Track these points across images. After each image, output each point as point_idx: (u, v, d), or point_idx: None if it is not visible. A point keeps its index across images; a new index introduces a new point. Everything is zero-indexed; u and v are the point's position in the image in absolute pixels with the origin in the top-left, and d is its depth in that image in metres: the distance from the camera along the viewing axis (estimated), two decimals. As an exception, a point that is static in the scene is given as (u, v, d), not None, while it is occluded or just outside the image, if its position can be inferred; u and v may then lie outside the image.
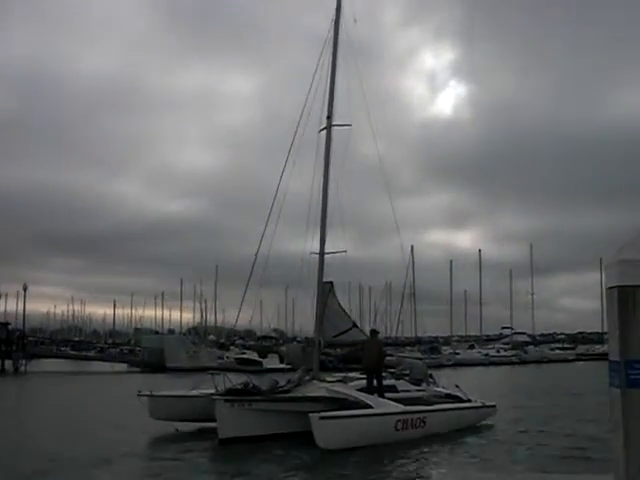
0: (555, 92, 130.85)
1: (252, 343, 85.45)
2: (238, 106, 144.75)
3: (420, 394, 19.74)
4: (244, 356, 61.67)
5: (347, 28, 22.29)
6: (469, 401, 20.34)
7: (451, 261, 79.69)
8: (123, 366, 60.69)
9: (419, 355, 45.57)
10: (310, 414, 15.98)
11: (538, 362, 70.08)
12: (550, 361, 72.17)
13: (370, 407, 17.51)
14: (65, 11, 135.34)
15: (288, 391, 18.49)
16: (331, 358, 51.98)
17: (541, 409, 24.98)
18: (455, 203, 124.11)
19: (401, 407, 17.90)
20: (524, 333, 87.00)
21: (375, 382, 18.79)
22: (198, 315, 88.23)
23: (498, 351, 76.57)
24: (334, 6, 22.18)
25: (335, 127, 21.57)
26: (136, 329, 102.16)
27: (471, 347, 79.04)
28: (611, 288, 4.93)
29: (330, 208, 21.35)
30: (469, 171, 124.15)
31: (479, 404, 20.47)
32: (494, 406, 20.92)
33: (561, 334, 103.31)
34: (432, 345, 49.37)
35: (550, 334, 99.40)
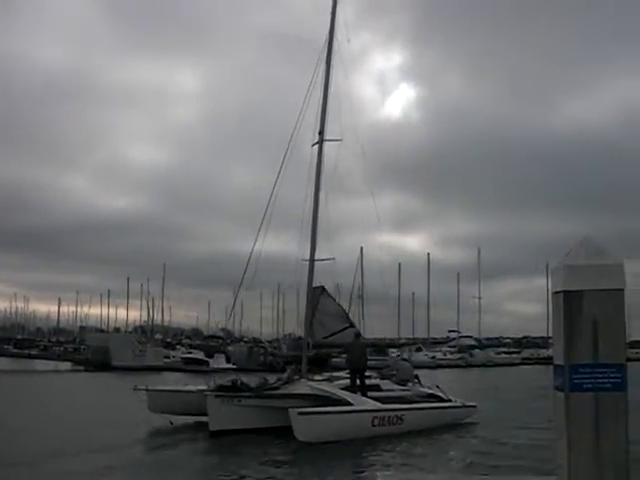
0: (504, 96, 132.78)
1: (199, 343, 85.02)
2: (187, 103, 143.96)
3: (403, 393, 20.98)
4: (190, 355, 61.35)
5: (339, 46, 23.17)
6: (449, 401, 21.32)
7: (399, 264, 79.80)
8: (67, 365, 59.77)
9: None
10: (290, 409, 17.30)
11: (484, 366, 70.82)
12: (496, 365, 73.00)
13: (350, 404, 18.71)
14: (13, 3, 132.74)
15: (276, 388, 19.64)
16: (278, 359, 52.22)
17: (498, 411, 24.99)
18: (404, 206, 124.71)
19: (378, 405, 19.09)
20: (470, 337, 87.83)
21: (358, 381, 20.06)
22: (145, 313, 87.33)
23: (445, 354, 77.26)
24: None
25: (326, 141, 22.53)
26: (81, 327, 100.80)
27: (418, 350, 79.52)
28: (557, 293, 4.96)
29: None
30: (418, 174, 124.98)
31: (459, 404, 21.39)
32: (474, 406, 21.74)
33: (507, 338, 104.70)
34: (378, 347, 49.47)
35: (496, 338, 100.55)
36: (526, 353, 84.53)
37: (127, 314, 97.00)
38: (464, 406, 21.48)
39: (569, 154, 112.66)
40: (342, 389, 19.63)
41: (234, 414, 18.15)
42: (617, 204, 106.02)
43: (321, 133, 22.60)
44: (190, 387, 21.52)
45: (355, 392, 19.59)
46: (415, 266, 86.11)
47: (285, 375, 21.01)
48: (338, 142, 22.75)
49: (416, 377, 22.70)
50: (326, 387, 19.85)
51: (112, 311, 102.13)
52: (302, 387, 19.70)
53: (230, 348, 65.86)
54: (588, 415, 4.71)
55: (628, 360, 4.98)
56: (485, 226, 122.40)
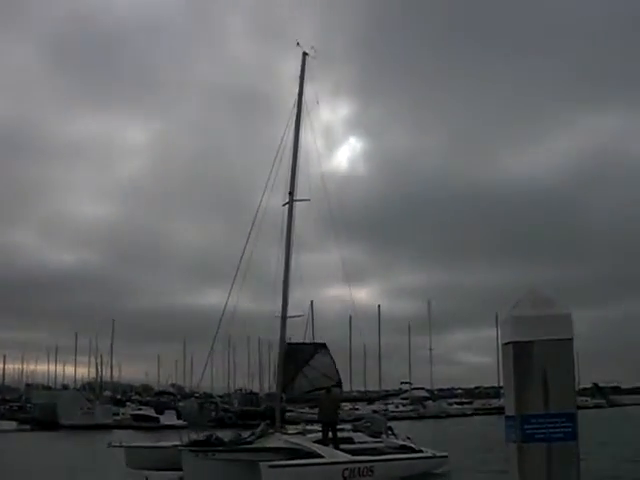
0: (450, 148, 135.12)
1: (149, 399, 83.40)
2: (133, 156, 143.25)
3: (375, 445, 21.37)
4: (140, 412, 60.10)
5: (308, 108, 24.80)
6: (420, 451, 21.62)
7: (350, 316, 79.85)
8: (12, 424, 58.00)
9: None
10: (260, 463, 17.37)
11: (437, 417, 70.72)
12: (448, 416, 72.99)
13: (321, 457, 18.96)
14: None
15: (250, 442, 19.93)
16: (230, 414, 51.63)
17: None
18: (353, 258, 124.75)
19: (349, 457, 19.38)
20: (423, 388, 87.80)
21: (330, 434, 20.39)
22: (93, 370, 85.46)
23: (397, 406, 76.84)
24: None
25: (296, 202, 23.33)
26: (27, 385, 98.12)
27: (370, 403, 79.09)
28: (506, 344, 5.00)
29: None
30: (366, 226, 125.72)
31: (430, 454, 21.76)
32: (446, 456, 22.15)
33: (459, 389, 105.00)
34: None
35: (448, 389, 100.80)
36: (478, 403, 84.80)
37: (75, 371, 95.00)
38: (435, 456, 21.86)
39: (514, 205, 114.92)
40: (315, 442, 19.96)
41: (208, 468, 18.44)
42: (563, 253, 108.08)
43: (291, 193, 23.30)
44: (165, 442, 22.02)
45: (327, 445, 19.89)
46: (366, 318, 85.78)
47: (259, 429, 21.20)
48: (306, 202, 23.59)
49: (389, 429, 23.20)
50: (298, 440, 20.17)
51: (60, 368, 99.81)
52: (275, 441, 20.00)
53: (181, 404, 64.77)
54: (541, 466, 4.72)
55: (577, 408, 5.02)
56: (434, 277, 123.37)
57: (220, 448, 19.18)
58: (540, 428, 4.72)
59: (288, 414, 46.72)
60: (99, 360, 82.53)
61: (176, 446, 19.61)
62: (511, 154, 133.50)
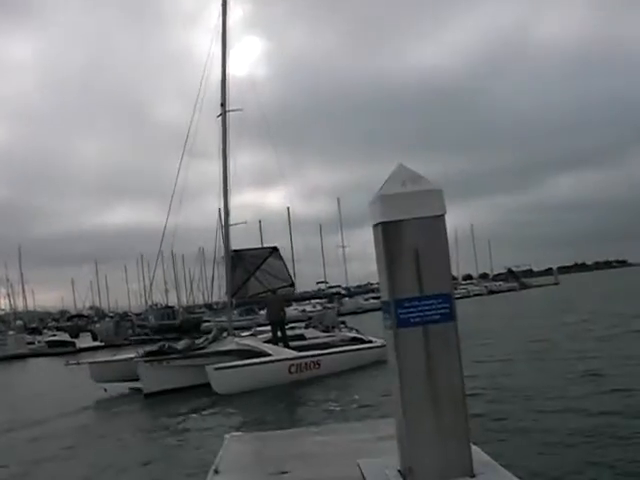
0: (350, 45, 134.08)
1: (66, 324, 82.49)
2: (16, 71, 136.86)
3: (328, 340, 22.72)
4: (54, 338, 59.22)
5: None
6: (370, 342, 22.54)
7: (260, 221, 79.56)
8: None
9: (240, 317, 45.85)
10: (206, 366, 18.75)
11: (354, 313, 71.91)
12: (365, 311, 74.30)
13: (269, 355, 20.03)
14: None
15: (203, 348, 21.20)
16: (146, 330, 51.36)
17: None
18: (260, 162, 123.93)
19: (294, 353, 20.50)
20: (339, 286, 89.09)
21: (280, 333, 21.59)
22: (5, 301, 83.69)
23: (314, 306, 77.86)
24: None
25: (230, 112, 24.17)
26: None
27: (288, 305, 79.83)
28: (376, 225, 4.71)
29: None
30: (272, 130, 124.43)
31: (379, 344, 22.17)
32: None
33: (375, 283, 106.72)
34: (247, 307, 49.28)
35: (365, 284, 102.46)
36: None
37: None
38: (384, 346, 22.19)
39: (419, 98, 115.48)
40: (265, 342, 21.17)
41: (164, 376, 19.53)
42: (471, 143, 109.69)
43: (223, 105, 24.04)
44: (124, 355, 23.56)
45: (277, 344, 21.07)
46: (277, 222, 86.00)
47: (211, 334, 22.52)
48: (240, 112, 24.37)
49: (342, 323, 24.87)
50: (249, 341, 21.51)
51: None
52: (227, 344, 21.23)
53: (97, 325, 64.26)
54: (418, 350, 4.48)
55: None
56: (343, 175, 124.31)
57: (173, 356, 20.27)
58: (415, 312, 4.46)
59: (206, 324, 47.12)
60: (10, 290, 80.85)
61: (132, 358, 20.63)
62: (415, 44, 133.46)
